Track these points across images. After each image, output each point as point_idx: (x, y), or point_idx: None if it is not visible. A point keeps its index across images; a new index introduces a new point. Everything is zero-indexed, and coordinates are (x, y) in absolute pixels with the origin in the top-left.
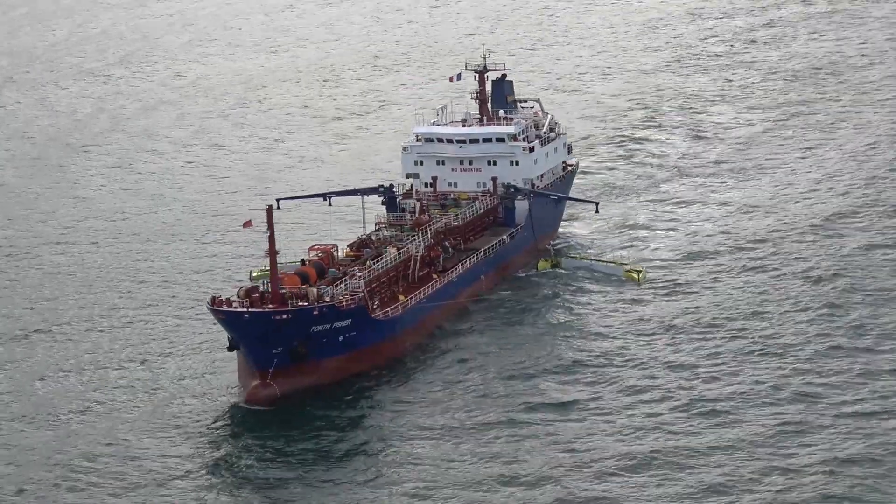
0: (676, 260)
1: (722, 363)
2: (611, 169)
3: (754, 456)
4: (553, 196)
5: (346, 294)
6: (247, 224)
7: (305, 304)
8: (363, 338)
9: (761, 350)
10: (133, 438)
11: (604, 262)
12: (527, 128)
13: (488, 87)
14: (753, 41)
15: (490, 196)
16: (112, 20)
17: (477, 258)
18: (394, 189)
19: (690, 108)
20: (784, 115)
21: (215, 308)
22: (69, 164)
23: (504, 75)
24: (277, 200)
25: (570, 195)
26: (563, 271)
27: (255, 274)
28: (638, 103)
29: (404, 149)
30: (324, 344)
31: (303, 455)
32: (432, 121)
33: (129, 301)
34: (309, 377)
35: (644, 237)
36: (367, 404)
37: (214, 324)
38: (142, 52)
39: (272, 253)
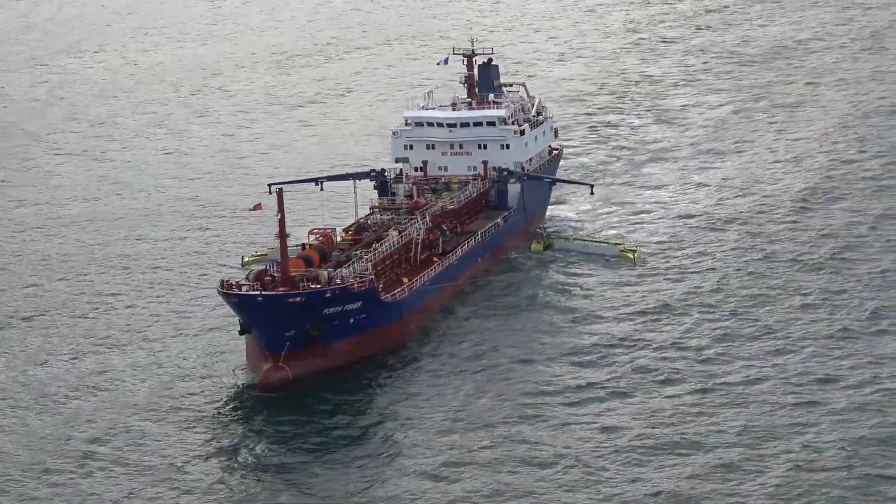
0: (667, 239)
1: (728, 342)
2: (588, 153)
3: (771, 434)
4: (547, 179)
5: (356, 276)
6: (256, 207)
7: (318, 286)
8: (372, 320)
9: (767, 329)
10: (142, 423)
11: (597, 242)
12: (516, 111)
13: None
14: (704, 27)
15: (481, 180)
16: (58, 7)
17: (475, 241)
18: (385, 174)
19: (656, 91)
20: (750, 97)
21: (227, 291)
22: (33, 152)
23: (490, 59)
24: (269, 185)
25: (563, 178)
26: (556, 253)
27: (247, 259)
28: (602, 87)
29: (394, 133)
30: (335, 326)
31: (316, 438)
32: (421, 105)
33: (122, 287)
34: (320, 360)
35: (631, 218)
36: (378, 388)
37: (217, 307)
38: (91, 41)
39: (282, 235)
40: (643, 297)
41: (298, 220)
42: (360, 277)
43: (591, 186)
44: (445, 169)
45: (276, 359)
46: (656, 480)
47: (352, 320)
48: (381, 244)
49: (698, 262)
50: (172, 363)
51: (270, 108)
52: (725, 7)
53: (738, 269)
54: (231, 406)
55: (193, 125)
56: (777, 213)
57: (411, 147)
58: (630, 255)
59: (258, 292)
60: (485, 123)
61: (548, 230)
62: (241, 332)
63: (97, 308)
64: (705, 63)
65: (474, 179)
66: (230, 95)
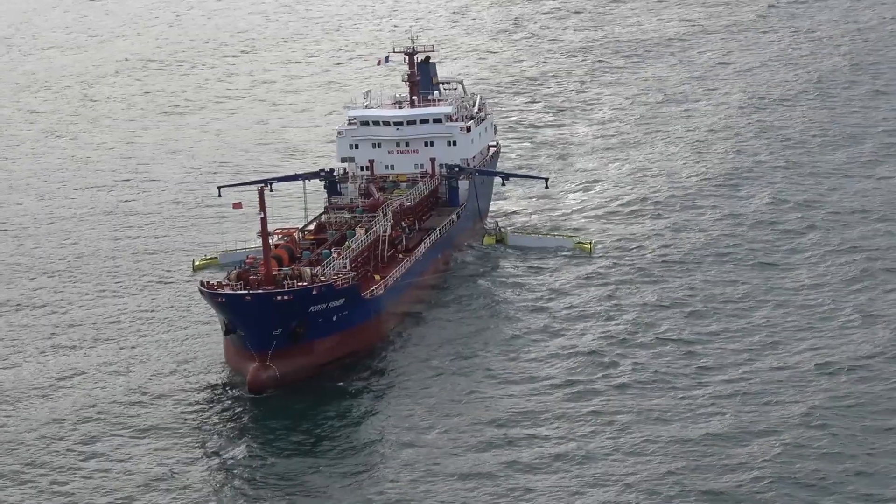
0: (614, 227)
1: (704, 320)
2: (515, 151)
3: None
4: (501, 174)
5: (337, 274)
6: (236, 205)
7: (304, 284)
8: (353, 317)
9: (733, 305)
10: (129, 429)
11: (552, 235)
12: (459, 108)
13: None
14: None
15: (430, 177)
16: None
17: (435, 236)
18: (334, 173)
19: (563, 87)
20: (644, 91)
21: (212, 291)
22: None
23: (427, 57)
24: (219, 188)
25: (517, 172)
26: (510, 247)
27: (197, 263)
28: (499, 85)
29: (339, 133)
30: (319, 324)
31: (305, 439)
32: (364, 104)
33: (73, 293)
34: (306, 358)
35: (570, 209)
36: (362, 386)
37: (179, 309)
38: None
39: (265, 234)
40: (608, 286)
41: (251, 222)
42: (343, 275)
43: (546, 180)
44: (392, 167)
45: (264, 358)
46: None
47: (335, 317)
48: (353, 242)
49: (648, 246)
50: (146, 367)
51: (200, 109)
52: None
53: (685, 249)
54: (219, 407)
55: (94, 131)
56: (702, 192)
57: (357, 146)
58: (586, 247)
59: (246, 291)
60: (431, 120)
61: (500, 225)
62: (227, 333)
63: (52, 313)
64: (597, 58)
65: (423, 177)
66: (122, 99)
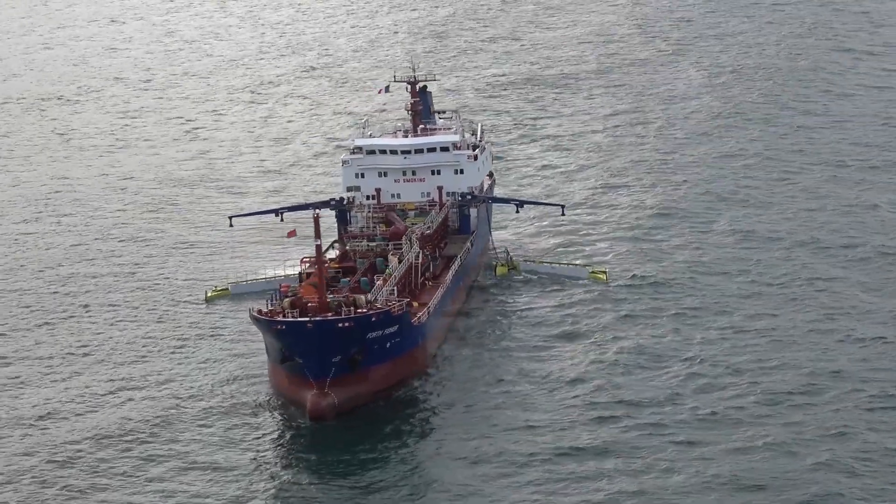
0: (621, 255)
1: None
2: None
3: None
4: (515, 202)
5: (390, 301)
6: (291, 234)
7: (363, 311)
8: (404, 344)
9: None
10: (190, 460)
11: (565, 264)
12: (463, 136)
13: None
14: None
15: (438, 206)
16: None
17: (457, 264)
18: (345, 202)
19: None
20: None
21: (270, 319)
22: None
23: (425, 86)
24: (230, 218)
25: (533, 200)
26: (523, 276)
27: (210, 294)
28: None
29: (344, 162)
30: (374, 351)
31: (367, 469)
32: (369, 133)
33: (95, 329)
34: (362, 385)
35: (571, 237)
36: (417, 413)
37: (202, 337)
38: None
39: (320, 262)
40: (637, 314)
41: (263, 251)
42: (397, 302)
43: (563, 207)
44: (398, 196)
45: (322, 385)
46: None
47: (388, 344)
48: (392, 270)
49: (662, 274)
50: (189, 396)
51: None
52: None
53: (710, 271)
54: (278, 435)
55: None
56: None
57: (363, 175)
58: (602, 276)
59: (307, 319)
60: (438, 149)
61: (510, 253)
62: (283, 361)
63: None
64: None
65: (431, 205)
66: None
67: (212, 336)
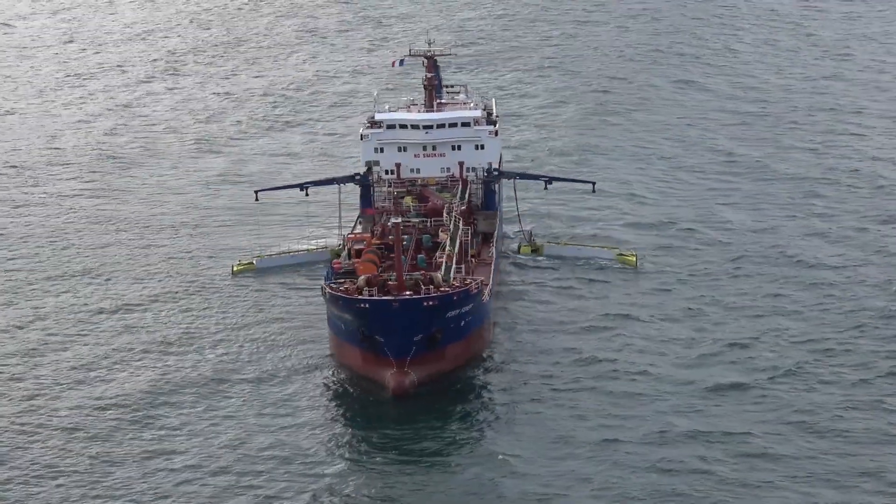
0: (651, 237)
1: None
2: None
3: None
4: (544, 178)
5: (467, 279)
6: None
7: (446, 289)
8: (474, 322)
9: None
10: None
11: (592, 246)
12: (484, 111)
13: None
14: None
15: (456, 181)
16: None
17: (494, 240)
18: (369, 177)
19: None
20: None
21: (351, 297)
22: None
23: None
24: (256, 192)
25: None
26: (549, 258)
27: (236, 268)
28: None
29: (363, 137)
30: (451, 329)
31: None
32: (387, 107)
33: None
34: (438, 364)
35: (573, 218)
36: (485, 394)
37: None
38: None
39: (398, 240)
40: (673, 299)
41: (284, 225)
42: (473, 280)
43: (594, 184)
44: (418, 171)
45: (402, 364)
46: None
47: (462, 323)
48: (449, 247)
49: (691, 262)
50: (261, 373)
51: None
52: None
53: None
54: (359, 409)
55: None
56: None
57: (382, 150)
58: (631, 259)
59: (393, 297)
60: (459, 124)
61: (533, 233)
62: (367, 341)
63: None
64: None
65: (452, 181)
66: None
67: (245, 307)
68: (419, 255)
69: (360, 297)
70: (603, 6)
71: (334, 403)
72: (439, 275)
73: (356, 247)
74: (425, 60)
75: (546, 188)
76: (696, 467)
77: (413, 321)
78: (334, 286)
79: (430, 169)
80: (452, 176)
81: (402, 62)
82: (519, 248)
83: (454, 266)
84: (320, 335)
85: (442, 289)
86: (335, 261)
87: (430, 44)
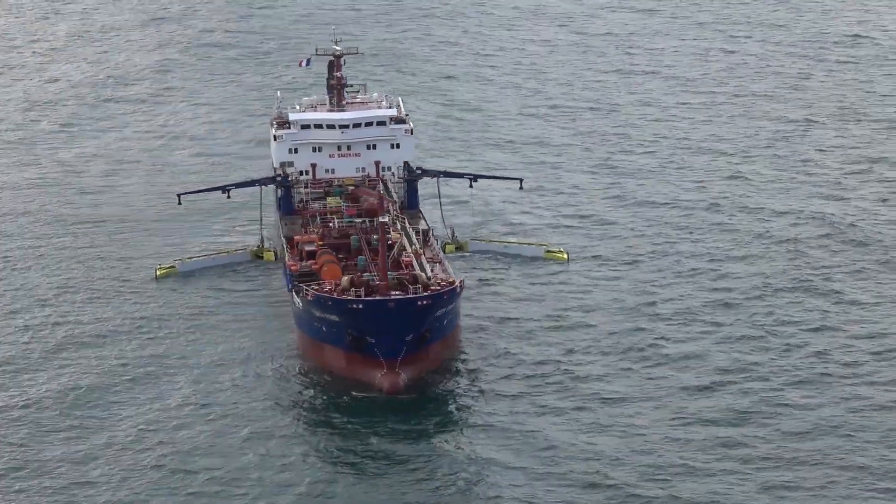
0: (577, 234)
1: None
2: None
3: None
4: (469, 176)
5: (446, 278)
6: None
7: (437, 288)
8: (453, 321)
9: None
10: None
11: (519, 243)
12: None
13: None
14: None
15: (374, 181)
16: None
17: (431, 238)
18: (289, 179)
19: None
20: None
21: (343, 299)
22: None
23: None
24: (179, 196)
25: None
26: (475, 255)
27: (159, 273)
28: None
29: (275, 137)
30: (436, 328)
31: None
32: (297, 107)
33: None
34: (425, 363)
35: (490, 213)
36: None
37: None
38: None
39: (382, 240)
40: (622, 291)
41: (203, 229)
42: (455, 279)
43: (521, 181)
44: (333, 171)
45: (393, 364)
46: None
47: (445, 321)
48: (410, 246)
49: (619, 249)
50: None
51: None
52: None
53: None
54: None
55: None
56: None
57: (296, 150)
58: (561, 255)
59: (387, 298)
60: (375, 123)
61: (455, 232)
62: (355, 343)
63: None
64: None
65: (370, 181)
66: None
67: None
68: (360, 257)
69: (351, 298)
70: None
71: (304, 408)
72: (423, 274)
73: (307, 248)
74: (334, 59)
75: (471, 186)
76: (676, 462)
77: (406, 321)
78: (317, 288)
79: (346, 169)
80: (368, 175)
81: (308, 62)
82: (444, 246)
83: (427, 264)
84: (280, 338)
85: (432, 288)
86: (289, 262)
87: (336, 43)
